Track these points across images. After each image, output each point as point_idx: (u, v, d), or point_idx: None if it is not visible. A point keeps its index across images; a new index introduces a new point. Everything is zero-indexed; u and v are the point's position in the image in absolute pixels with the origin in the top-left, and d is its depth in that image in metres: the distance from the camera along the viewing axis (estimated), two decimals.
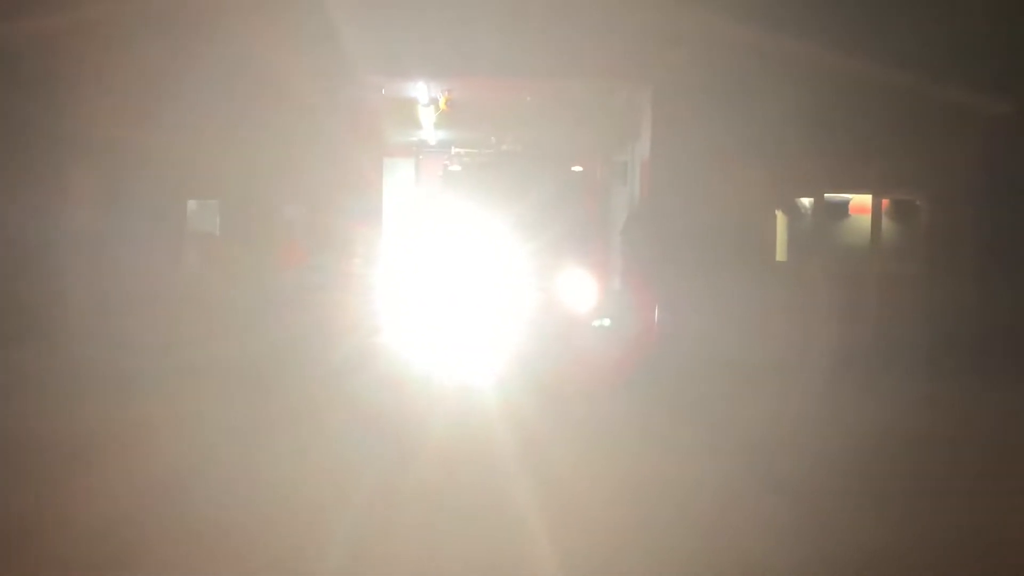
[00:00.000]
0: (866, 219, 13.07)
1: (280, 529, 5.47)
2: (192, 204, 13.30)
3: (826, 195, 13.10)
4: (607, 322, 10.92)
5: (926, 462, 7.25)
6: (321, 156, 12.22)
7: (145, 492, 6.09)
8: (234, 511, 5.71)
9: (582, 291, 13.49)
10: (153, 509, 5.76)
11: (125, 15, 11.42)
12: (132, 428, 7.79)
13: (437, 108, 14.70)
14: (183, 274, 12.61)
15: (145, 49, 11.63)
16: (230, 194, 12.82)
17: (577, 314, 13.25)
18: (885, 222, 13.08)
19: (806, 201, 13.21)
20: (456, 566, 4.96)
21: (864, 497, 6.28)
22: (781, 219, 13.14)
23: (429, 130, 17.01)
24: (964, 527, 5.76)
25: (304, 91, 11.77)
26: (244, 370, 9.96)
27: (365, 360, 11.22)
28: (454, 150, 18.72)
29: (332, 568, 4.90)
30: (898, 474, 6.88)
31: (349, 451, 7.16)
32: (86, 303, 11.55)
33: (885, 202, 13.10)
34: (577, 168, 17.22)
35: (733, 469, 6.91)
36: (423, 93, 14.19)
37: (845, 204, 13.29)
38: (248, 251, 12.54)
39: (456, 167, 15.66)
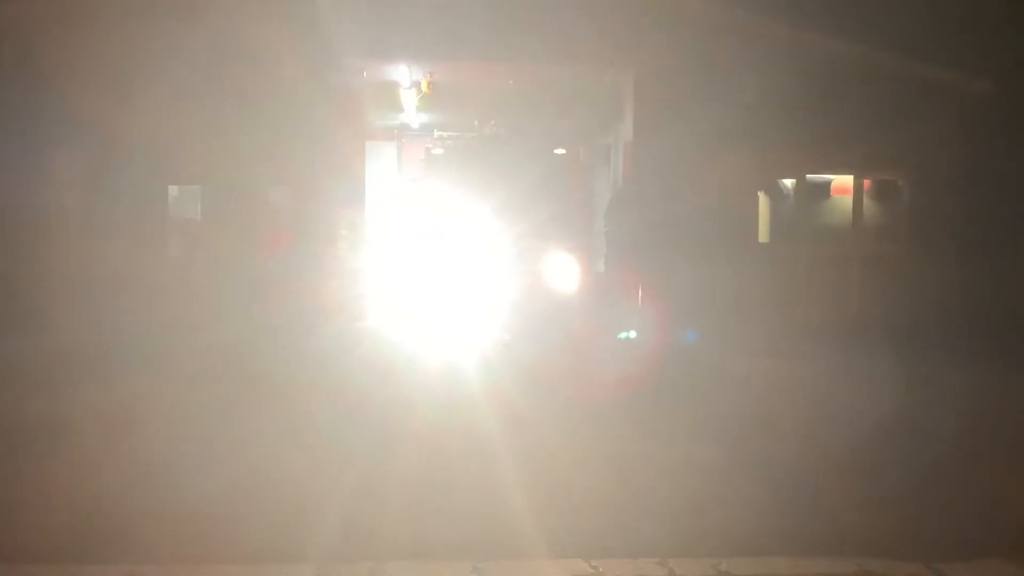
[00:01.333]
0: (848, 199, 13.14)
1: (266, 514, 5.49)
2: (174, 189, 13.23)
3: (808, 176, 13.17)
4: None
5: (910, 441, 7.31)
6: (303, 140, 12.18)
7: (130, 477, 6.09)
8: (219, 497, 5.72)
9: (566, 274, 13.50)
10: (138, 494, 5.77)
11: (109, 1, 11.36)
12: (116, 413, 7.77)
13: (419, 91, 14.66)
14: (166, 259, 12.56)
15: (128, 33, 11.57)
16: (212, 179, 12.77)
17: (561, 297, 13.27)
18: (867, 202, 13.16)
19: (788, 182, 13.26)
20: (444, 548, 4.98)
21: (849, 476, 6.34)
22: (763, 201, 13.20)
23: (411, 113, 16.97)
24: (950, 505, 5.82)
25: (286, 74, 11.72)
26: (228, 355, 9.94)
27: (349, 344, 11.23)
28: (436, 133, 18.65)
29: (319, 552, 4.92)
30: (882, 453, 6.94)
31: (335, 436, 7.17)
32: (68, 288, 11.50)
33: (867, 182, 13.17)
34: (560, 151, 17.20)
35: (718, 450, 6.97)
36: (405, 76, 14.16)
37: (827, 185, 13.35)
38: (231, 236, 12.51)
39: (439, 150, 15.59)
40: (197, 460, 6.42)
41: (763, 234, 13.20)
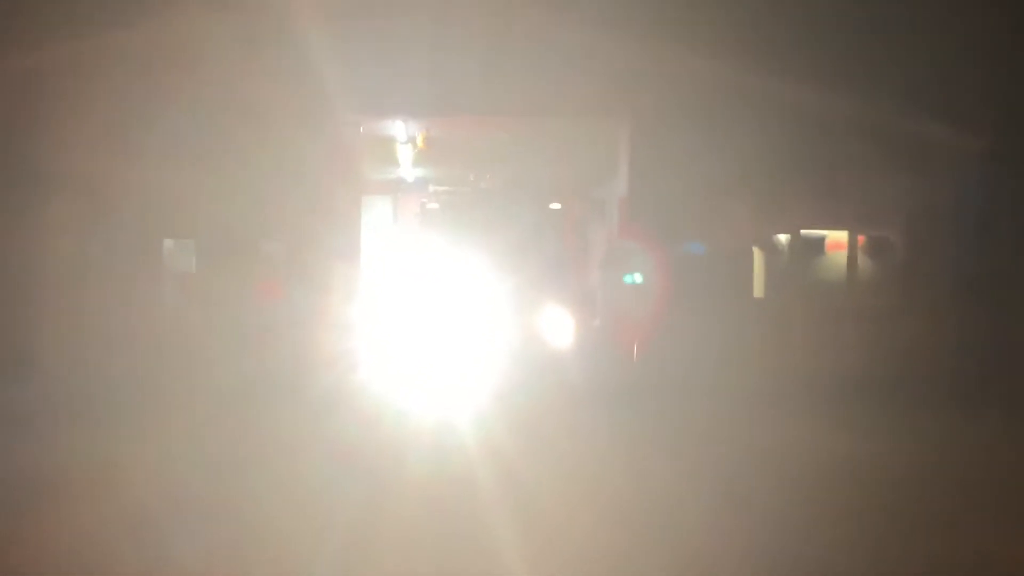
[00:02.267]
0: (842, 255, 13.18)
1: (255, 568, 5.40)
2: (169, 242, 13.22)
3: (802, 232, 13.21)
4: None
5: (899, 492, 7.26)
6: (299, 193, 12.21)
7: (116, 533, 5.98)
8: (207, 555, 5.62)
9: (560, 327, 13.48)
10: (123, 551, 5.67)
11: (105, 50, 11.42)
12: (107, 464, 7.67)
13: (415, 146, 14.75)
14: (160, 312, 12.50)
15: (124, 85, 11.62)
16: (208, 230, 12.76)
17: (555, 349, 13.24)
18: (861, 258, 13.19)
19: (783, 238, 13.30)
20: None
21: (838, 525, 6.29)
22: (758, 255, 13.22)
23: (407, 168, 17.05)
24: (937, 556, 5.76)
25: (283, 128, 11.77)
26: (221, 406, 9.86)
27: (343, 397, 11.15)
28: (432, 187, 18.76)
29: None
30: (870, 503, 6.88)
31: (325, 487, 7.09)
32: (62, 340, 11.44)
33: (861, 238, 13.22)
34: (555, 205, 17.29)
35: (712, 501, 6.90)
36: (401, 131, 14.24)
37: (821, 240, 13.39)
38: (225, 288, 12.47)
39: (434, 205, 15.69)
40: (185, 516, 6.33)
41: (758, 289, 13.21)
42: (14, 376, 10.75)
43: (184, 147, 11.78)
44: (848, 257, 13.12)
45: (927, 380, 11.72)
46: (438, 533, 6.13)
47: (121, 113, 11.68)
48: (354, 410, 10.46)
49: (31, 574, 5.26)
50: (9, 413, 9.63)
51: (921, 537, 6.22)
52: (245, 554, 5.66)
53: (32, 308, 11.54)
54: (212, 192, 11.94)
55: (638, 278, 11.03)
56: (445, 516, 6.52)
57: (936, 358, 12.00)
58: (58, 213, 12.05)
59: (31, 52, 11.43)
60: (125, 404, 10.02)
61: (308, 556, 5.61)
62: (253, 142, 11.96)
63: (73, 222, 12.14)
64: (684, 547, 5.88)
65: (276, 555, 5.63)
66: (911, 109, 11.97)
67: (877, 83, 11.80)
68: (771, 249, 13.24)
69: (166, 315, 12.54)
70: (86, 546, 5.71)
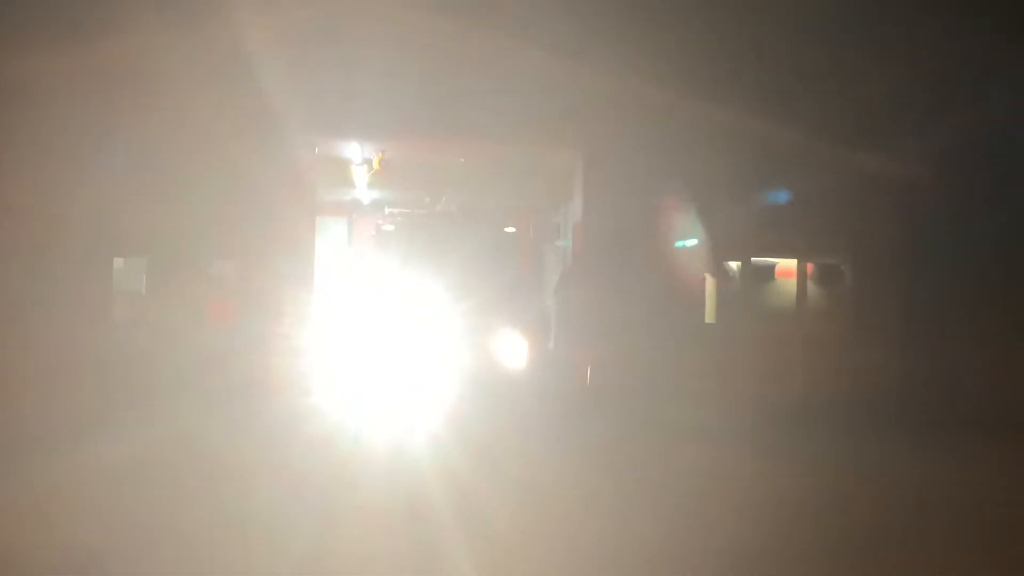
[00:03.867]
0: (792, 282, 13.36)
1: None
2: (119, 262, 13.07)
3: (752, 259, 13.38)
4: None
5: (849, 519, 7.34)
6: (252, 214, 12.14)
7: (59, 564, 5.89)
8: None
9: (514, 350, 13.51)
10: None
11: (54, 71, 11.30)
12: (50, 492, 7.55)
13: (371, 168, 14.73)
14: (109, 331, 12.34)
15: (73, 105, 11.50)
16: (158, 251, 12.64)
17: (509, 372, 13.26)
18: (810, 285, 13.38)
19: (734, 264, 13.46)
20: None
21: (791, 557, 6.34)
22: (710, 281, 13.36)
23: (363, 189, 17.02)
24: None
25: (236, 148, 11.71)
26: (171, 430, 9.75)
27: (294, 420, 11.07)
28: (388, 210, 18.73)
29: None
30: (820, 531, 6.95)
31: (276, 514, 7.03)
32: (8, 360, 11.23)
33: (810, 266, 13.42)
34: (510, 229, 17.36)
35: (661, 526, 6.94)
36: (357, 153, 14.22)
37: (772, 267, 13.57)
38: (176, 309, 12.34)
39: (390, 227, 15.67)
40: (133, 545, 6.24)
41: (710, 314, 13.34)
42: None
43: (136, 166, 11.66)
44: (798, 284, 13.31)
45: (875, 405, 11.91)
46: (390, 557, 6.11)
47: (72, 130, 11.54)
48: (306, 434, 10.38)
49: None
50: None
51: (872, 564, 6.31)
52: None
53: None
54: (163, 211, 11.83)
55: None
56: (396, 539, 6.50)
57: (884, 383, 12.20)
58: (4, 233, 11.87)
59: None
60: (74, 428, 9.86)
61: None
62: (206, 162, 11.88)
63: (19, 241, 11.97)
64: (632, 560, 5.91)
65: None
66: (859, 138, 12.20)
67: (825, 112, 12.02)
68: (722, 276, 13.39)
69: (115, 335, 12.38)
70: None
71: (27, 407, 10.63)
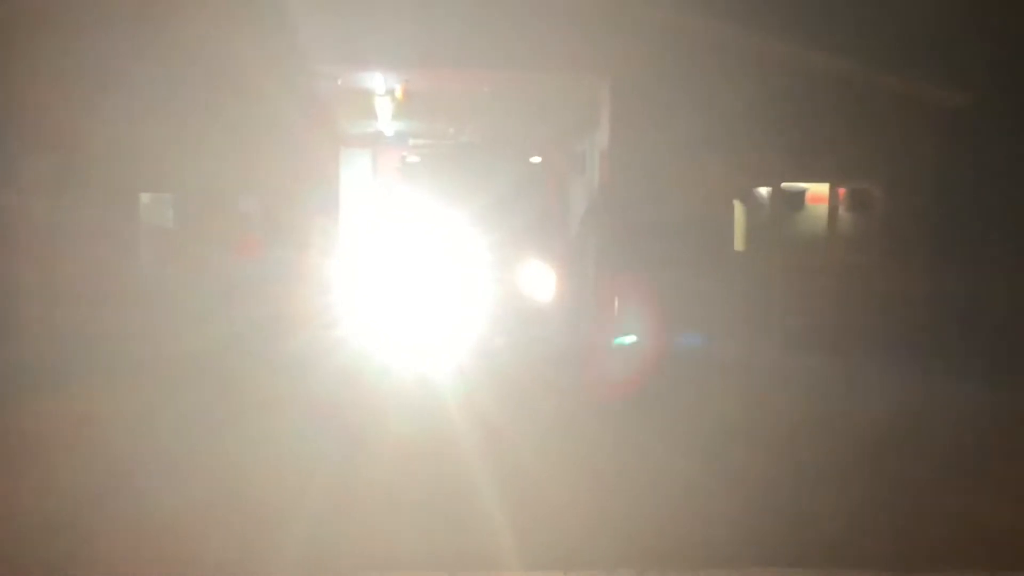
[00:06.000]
0: (823, 208, 13.17)
1: (233, 526, 5.38)
2: (145, 197, 13.09)
3: (783, 185, 13.19)
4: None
5: (885, 448, 7.30)
6: (276, 147, 12.07)
7: (94, 489, 5.97)
8: (186, 509, 5.61)
9: (540, 281, 13.44)
10: (102, 506, 5.65)
11: (78, 3, 11.21)
12: (84, 422, 7.64)
13: (394, 99, 14.58)
14: (137, 267, 12.40)
15: (98, 38, 11.41)
16: (184, 187, 12.63)
17: (536, 303, 13.21)
18: (842, 211, 13.19)
19: (763, 191, 13.28)
20: (418, 560, 4.90)
21: (827, 485, 6.31)
22: (739, 209, 13.20)
23: (386, 121, 16.89)
24: (927, 513, 5.79)
25: (259, 81, 11.60)
26: (199, 363, 9.81)
27: (321, 352, 11.11)
28: (412, 141, 18.60)
29: (288, 565, 4.82)
30: (858, 460, 6.92)
31: (305, 446, 7.07)
32: (37, 296, 11.33)
33: (842, 191, 13.21)
34: (536, 159, 17.17)
35: (700, 461, 6.92)
36: (380, 83, 14.07)
37: (802, 194, 13.38)
38: (203, 243, 12.37)
39: (414, 158, 15.52)
40: (163, 471, 6.31)
41: (739, 242, 13.20)
42: None
43: (159, 101, 11.61)
44: (829, 210, 13.11)
45: (907, 331, 11.79)
46: (418, 491, 6.12)
47: (96, 67, 11.48)
48: (332, 366, 10.43)
49: (12, 531, 5.23)
50: None
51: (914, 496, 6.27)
52: (223, 511, 5.65)
53: (6, 265, 11.40)
54: (188, 147, 11.80)
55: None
56: (424, 474, 6.52)
57: (917, 309, 12.06)
58: (32, 169, 11.88)
59: (2, 5, 11.21)
60: (102, 363, 9.96)
61: (286, 514, 5.59)
62: (229, 95, 11.79)
63: (48, 177, 11.98)
64: (675, 511, 5.89)
65: (254, 512, 5.61)
66: (894, 61, 11.91)
67: (860, 35, 11.73)
68: (752, 202, 13.22)
69: (143, 271, 12.44)
70: (67, 502, 5.69)
71: (56, 340, 10.75)
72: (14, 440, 7.17)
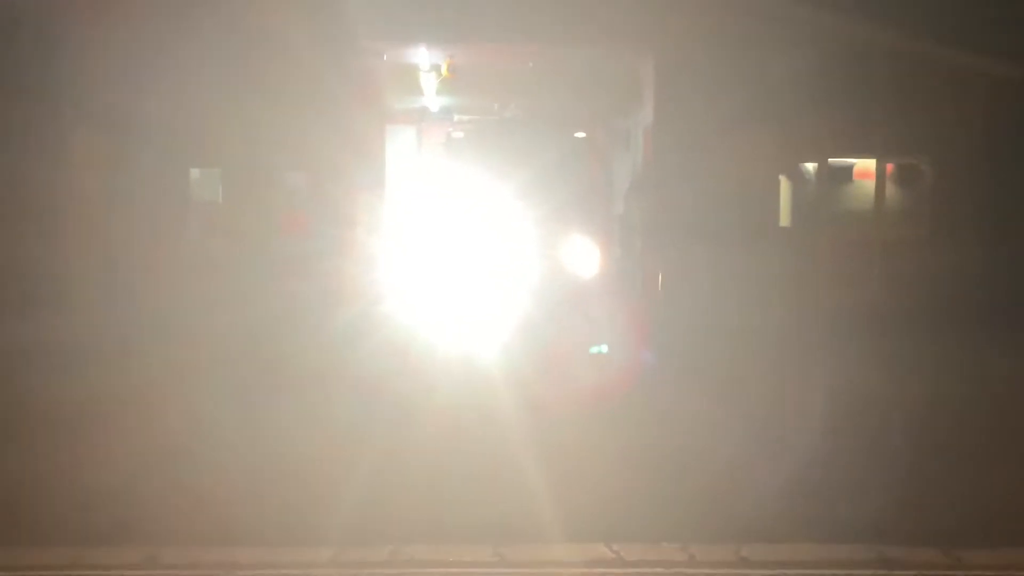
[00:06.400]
0: (870, 184, 13.01)
1: (285, 497, 5.50)
2: (195, 172, 13.26)
3: (830, 160, 13.05)
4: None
5: (932, 425, 7.27)
6: (323, 123, 12.15)
7: (148, 461, 6.13)
8: (238, 480, 5.75)
9: (585, 257, 13.46)
10: (157, 477, 5.81)
11: None
12: (134, 397, 7.81)
13: (439, 74, 14.62)
14: (186, 241, 12.59)
15: (148, 15, 11.56)
16: (232, 162, 12.78)
17: (581, 279, 13.24)
18: (889, 187, 13.03)
19: (810, 167, 13.15)
20: (464, 531, 4.98)
21: (870, 460, 6.31)
22: (785, 185, 13.09)
23: (431, 97, 16.93)
24: (972, 489, 5.79)
25: (305, 58, 11.69)
26: (247, 337, 9.97)
27: (367, 328, 11.22)
28: (456, 117, 18.63)
29: (338, 535, 4.93)
30: (904, 437, 6.90)
31: (352, 420, 7.18)
32: (89, 270, 11.56)
33: (889, 167, 13.04)
34: (580, 134, 17.14)
35: (738, 433, 6.94)
36: (425, 59, 14.11)
37: (849, 169, 13.23)
38: (250, 218, 12.53)
39: (459, 134, 15.57)
40: (215, 444, 6.46)
41: (784, 218, 13.10)
42: (43, 310, 10.89)
43: (208, 78, 11.74)
44: (876, 186, 12.96)
45: (955, 307, 11.64)
46: (463, 461, 6.21)
47: (146, 44, 11.63)
48: (378, 342, 10.53)
49: (69, 503, 5.39)
50: (40, 347, 9.77)
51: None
52: (274, 478, 5.78)
53: (60, 240, 11.64)
54: (236, 122, 11.93)
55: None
56: (470, 446, 6.60)
57: (965, 285, 11.91)
58: (84, 145, 12.09)
59: None
60: (154, 336, 10.15)
61: (336, 481, 5.71)
62: (276, 72, 11.89)
63: (99, 153, 12.19)
64: (704, 486, 5.92)
65: (305, 482, 5.73)
66: (942, 36, 11.71)
67: (909, 9, 11.54)
68: (798, 178, 13.10)
69: (192, 245, 12.63)
70: (122, 473, 5.85)
71: (110, 314, 10.96)
72: (70, 411, 7.37)
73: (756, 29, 11.91)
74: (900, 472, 6.07)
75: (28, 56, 11.28)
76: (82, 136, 12.10)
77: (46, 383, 8.25)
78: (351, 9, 11.74)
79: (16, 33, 11.22)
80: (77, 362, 9.00)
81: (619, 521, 5.11)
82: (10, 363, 8.82)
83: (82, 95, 11.58)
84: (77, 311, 11.02)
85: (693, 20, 12.02)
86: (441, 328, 11.74)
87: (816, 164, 13.06)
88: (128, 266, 11.79)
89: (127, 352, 9.46)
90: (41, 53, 11.39)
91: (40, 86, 11.43)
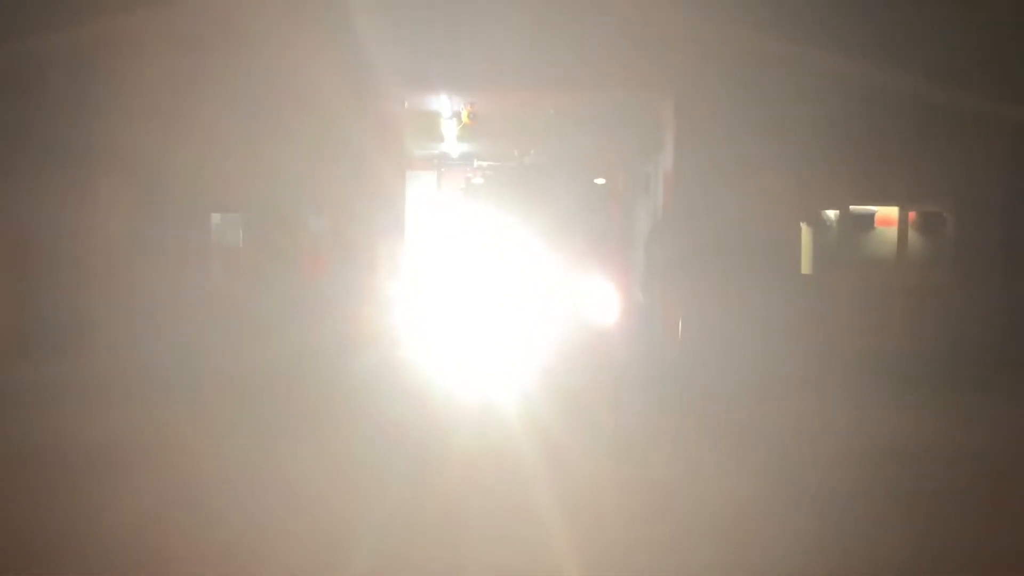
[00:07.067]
0: (892, 231, 12.96)
1: (302, 539, 5.46)
2: (216, 217, 13.35)
3: (852, 207, 13.01)
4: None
5: (952, 473, 7.16)
6: (344, 168, 12.24)
7: (166, 501, 6.10)
8: (254, 522, 5.71)
9: (605, 303, 13.44)
10: (173, 518, 5.77)
11: (154, 26, 11.53)
12: (158, 438, 7.81)
13: (460, 121, 14.71)
14: (208, 285, 12.65)
15: (172, 60, 11.72)
16: (254, 206, 12.87)
17: (600, 325, 13.20)
18: (911, 234, 12.96)
19: (831, 213, 13.11)
20: (477, 572, 4.93)
21: (889, 508, 6.21)
22: (806, 231, 13.05)
23: (452, 143, 17.03)
24: (989, 538, 5.68)
25: (327, 103, 11.80)
26: (267, 382, 9.97)
27: (387, 373, 11.21)
28: (476, 163, 18.73)
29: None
30: (923, 485, 6.80)
31: (370, 462, 7.15)
32: (112, 313, 11.62)
33: (911, 214, 12.99)
34: (600, 180, 17.19)
35: (758, 481, 6.85)
36: (446, 106, 14.21)
37: (871, 216, 13.18)
38: (271, 262, 12.58)
39: (479, 180, 15.67)
40: (233, 486, 6.42)
41: (806, 265, 13.05)
42: (66, 352, 10.96)
43: (230, 123, 11.86)
44: (898, 233, 12.90)
45: (977, 357, 11.54)
46: (481, 511, 6.15)
47: (168, 89, 11.78)
48: (397, 386, 10.51)
49: (90, 542, 5.36)
50: (63, 388, 9.81)
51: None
52: (291, 521, 5.74)
53: (82, 284, 11.73)
54: (258, 167, 12.03)
55: None
56: (488, 495, 6.54)
57: (987, 334, 11.81)
58: (107, 190, 12.21)
59: (82, 27, 11.57)
60: (175, 379, 10.18)
61: (352, 525, 5.66)
62: (298, 117, 12.00)
63: (122, 198, 12.30)
64: (734, 532, 5.83)
65: (323, 527, 5.69)
66: (962, 82, 11.71)
67: (927, 55, 11.56)
68: (819, 225, 13.06)
69: (214, 289, 12.68)
70: (139, 513, 5.82)
71: (134, 355, 11.00)
72: (91, 450, 7.36)
73: (777, 74, 11.94)
74: (918, 522, 5.98)
75: (56, 100, 11.45)
76: (106, 183, 12.22)
77: (71, 425, 8.29)
78: (373, 57, 11.85)
79: (44, 78, 11.39)
80: (98, 403, 9.03)
81: (637, 569, 5.03)
82: (35, 405, 8.86)
83: (106, 142, 11.71)
84: (99, 352, 11.10)
85: (713, 65, 12.08)
86: (460, 373, 11.71)
87: (837, 211, 13.02)
88: (151, 309, 11.84)
89: (148, 394, 9.49)
90: (68, 97, 11.55)
91: (65, 133, 11.58)
